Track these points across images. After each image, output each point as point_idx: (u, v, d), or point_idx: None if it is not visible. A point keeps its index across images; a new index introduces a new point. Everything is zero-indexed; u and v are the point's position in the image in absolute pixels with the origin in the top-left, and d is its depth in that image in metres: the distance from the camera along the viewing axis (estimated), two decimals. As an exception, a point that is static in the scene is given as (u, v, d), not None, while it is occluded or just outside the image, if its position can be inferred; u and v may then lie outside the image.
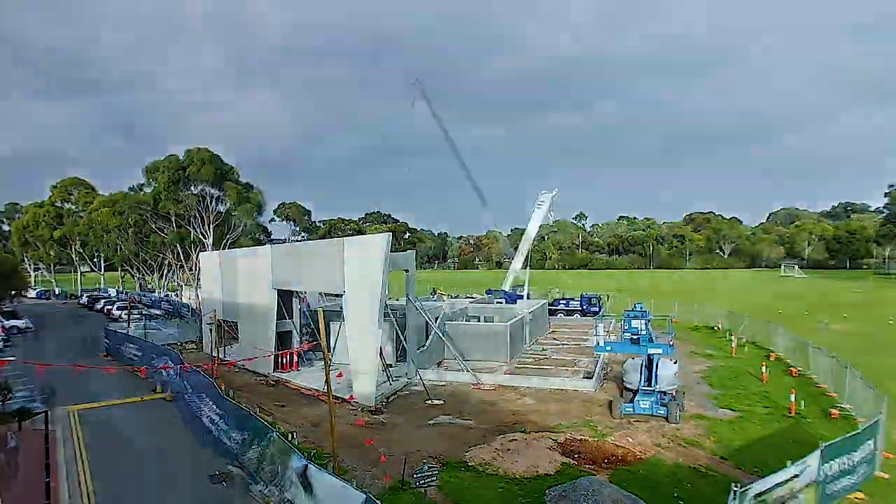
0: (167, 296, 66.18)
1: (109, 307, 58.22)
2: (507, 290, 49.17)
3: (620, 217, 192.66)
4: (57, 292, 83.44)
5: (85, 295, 76.26)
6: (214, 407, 19.49)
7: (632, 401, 20.42)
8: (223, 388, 20.66)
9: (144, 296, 65.97)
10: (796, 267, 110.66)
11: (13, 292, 54.69)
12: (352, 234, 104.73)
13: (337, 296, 29.41)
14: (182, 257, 61.66)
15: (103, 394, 24.95)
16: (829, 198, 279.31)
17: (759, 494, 10.64)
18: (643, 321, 20.85)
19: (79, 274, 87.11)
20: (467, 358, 28.44)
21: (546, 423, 20.03)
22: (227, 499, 14.71)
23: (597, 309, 48.24)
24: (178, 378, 24.66)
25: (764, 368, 26.64)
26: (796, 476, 11.63)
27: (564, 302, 51.98)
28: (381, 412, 22.39)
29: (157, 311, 54.25)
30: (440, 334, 29.42)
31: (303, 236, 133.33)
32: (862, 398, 19.67)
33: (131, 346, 32.50)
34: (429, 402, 23.46)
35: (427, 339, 29.38)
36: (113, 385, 26.32)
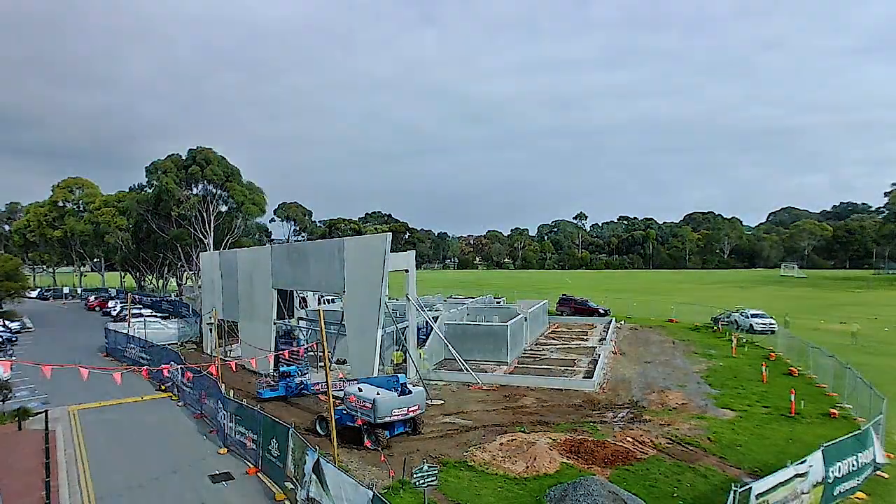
0: (167, 296, 66.23)
1: (109, 307, 58.41)
2: None
3: (620, 217, 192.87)
4: (64, 291, 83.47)
5: (85, 294, 76.41)
6: (219, 407, 19.51)
7: None
8: (224, 388, 20.65)
9: (144, 296, 66.02)
10: (796, 267, 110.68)
11: (13, 293, 54.67)
12: (352, 235, 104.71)
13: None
14: (182, 257, 61.58)
15: (103, 394, 24.96)
16: (829, 198, 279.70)
17: (761, 494, 10.64)
18: None
19: (79, 274, 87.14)
20: (467, 358, 28.44)
21: (546, 423, 20.04)
22: (228, 498, 14.72)
23: None
24: (179, 378, 24.72)
25: (764, 368, 26.66)
26: (799, 476, 11.63)
27: None
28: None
29: (157, 311, 54.29)
30: (440, 334, 29.42)
31: (303, 236, 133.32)
32: (862, 398, 19.69)
33: (132, 346, 32.53)
34: (429, 401, 23.45)
35: (427, 339, 29.40)
36: (112, 385, 26.23)
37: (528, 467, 15.89)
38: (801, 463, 12.00)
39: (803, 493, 11.69)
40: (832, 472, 12.68)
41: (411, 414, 18.38)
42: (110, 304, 59.33)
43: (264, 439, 16.09)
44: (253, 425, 16.85)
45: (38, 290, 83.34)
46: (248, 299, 32.59)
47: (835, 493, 12.89)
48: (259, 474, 16.04)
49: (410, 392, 18.64)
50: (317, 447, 13.73)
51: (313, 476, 12.65)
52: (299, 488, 13.47)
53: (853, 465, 13.40)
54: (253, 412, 17.19)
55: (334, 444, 15.34)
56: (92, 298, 68.80)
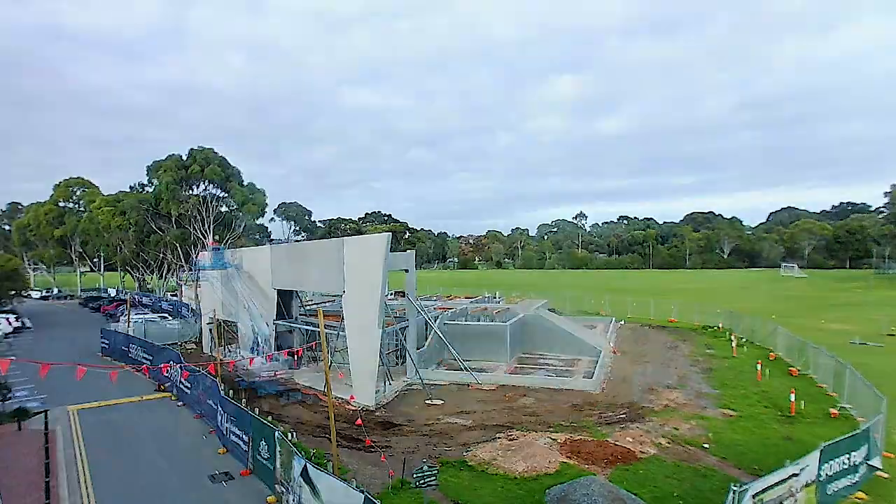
0: (166, 296, 66.23)
1: (108, 307, 58.32)
2: None
3: (620, 217, 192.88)
4: (56, 292, 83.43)
5: (84, 294, 76.29)
6: (218, 407, 19.50)
7: None
8: (223, 388, 20.65)
9: (144, 296, 66.00)
10: (796, 267, 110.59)
11: (13, 293, 54.71)
12: (351, 234, 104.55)
13: (336, 296, 29.41)
14: (182, 257, 61.63)
15: (103, 394, 24.97)
16: (829, 198, 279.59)
17: (757, 494, 10.64)
18: None
19: (78, 274, 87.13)
20: (467, 358, 28.45)
21: (546, 423, 20.04)
22: (227, 498, 14.72)
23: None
24: (179, 378, 24.70)
25: (759, 366, 26.67)
26: (795, 476, 11.64)
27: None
28: (382, 412, 22.39)
29: (157, 311, 54.27)
30: (440, 334, 29.42)
31: (303, 236, 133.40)
32: (862, 398, 19.69)
33: (131, 346, 32.51)
34: (429, 401, 23.47)
35: (427, 339, 29.39)
36: (111, 385, 26.27)
37: (528, 467, 15.90)
38: (801, 464, 12.00)
39: (797, 492, 11.71)
40: (824, 470, 12.70)
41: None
42: (110, 307, 58.52)
43: (255, 441, 16.08)
44: (244, 426, 16.85)
45: (44, 290, 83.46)
46: (248, 299, 32.58)
47: (828, 492, 12.90)
48: (252, 476, 16.03)
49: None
50: (310, 451, 13.69)
51: (302, 482, 12.59)
52: (290, 493, 13.38)
53: (844, 464, 13.39)
54: (244, 413, 17.19)
55: (334, 444, 15.33)
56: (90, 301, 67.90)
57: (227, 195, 62.29)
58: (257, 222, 74.85)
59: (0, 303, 54.72)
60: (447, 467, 15.93)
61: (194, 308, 49.20)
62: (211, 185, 60.70)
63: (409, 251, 30.98)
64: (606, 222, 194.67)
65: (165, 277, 73.57)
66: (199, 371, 22.42)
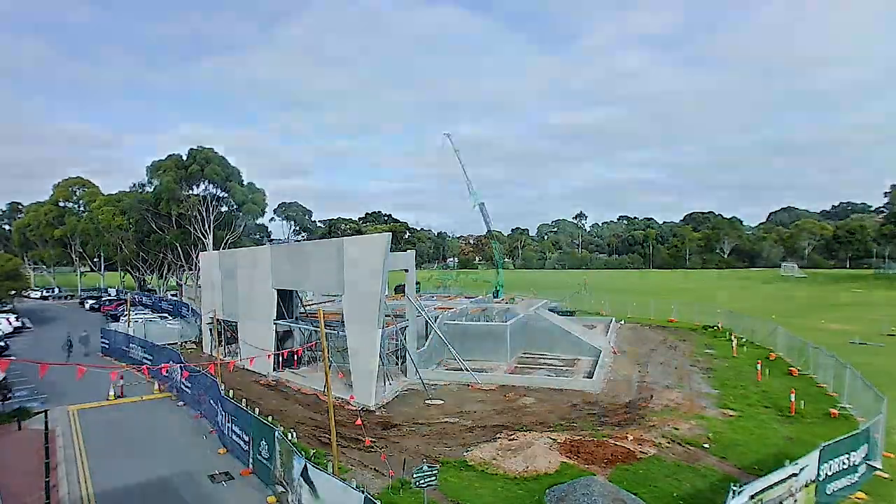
0: (166, 295, 66.23)
1: (108, 307, 58.31)
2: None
3: (620, 217, 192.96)
4: (56, 292, 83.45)
5: (84, 294, 76.25)
6: (217, 407, 19.52)
7: None
8: (223, 388, 20.66)
9: (144, 295, 66.01)
10: (796, 267, 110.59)
11: (13, 293, 54.76)
12: (352, 234, 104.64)
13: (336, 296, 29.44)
14: (182, 257, 61.65)
15: (102, 394, 24.99)
16: (829, 198, 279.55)
17: (756, 493, 10.65)
18: None
19: (79, 274, 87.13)
20: (467, 358, 28.45)
21: (546, 423, 20.04)
22: (227, 498, 14.72)
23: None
24: (179, 378, 24.72)
25: (759, 366, 26.66)
26: (794, 476, 11.65)
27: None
28: (381, 412, 22.40)
29: (157, 311, 54.28)
30: (440, 334, 29.43)
31: (303, 236, 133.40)
32: (862, 398, 19.69)
33: (132, 346, 32.53)
34: (428, 401, 23.48)
35: (427, 339, 29.40)
36: (111, 385, 26.32)
37: (527, 467, 15.91)
38: (801, 464, 12.01)
39: (797, 492, 11.72)
40: (823, 470, 12.72)
41: None
42: (110, 307, 58.41)
43: (255, 440, 16.08)
44: (245, 426, 16.86)
45: (40, 290, 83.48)
46: (248, 299, 32.59)
47: (827, 492, 12.90)
48: (252, 476, 16.04)
49: None
50: (310, 451, 13.68)
51: (303, 482, 12.59)
52: (290, 493, 13.39)
53: (844, 464, 13.40)
54: (245, 412, 17.19)
55: (334, 444, 15.33)
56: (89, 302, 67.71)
57: (227, 195, 62.35)
58: (257, 222, 74.91)
59: (0, 302, 54.79)
60: (447, 467, 15.93)
61: (194, 308, 49.25)
62: (211, 185, 60.77)
63: (409, 251, 30.99)
64: (606, 222, 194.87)
65: (166, 277, 73.62)
66: (199, 371, 22.43)
